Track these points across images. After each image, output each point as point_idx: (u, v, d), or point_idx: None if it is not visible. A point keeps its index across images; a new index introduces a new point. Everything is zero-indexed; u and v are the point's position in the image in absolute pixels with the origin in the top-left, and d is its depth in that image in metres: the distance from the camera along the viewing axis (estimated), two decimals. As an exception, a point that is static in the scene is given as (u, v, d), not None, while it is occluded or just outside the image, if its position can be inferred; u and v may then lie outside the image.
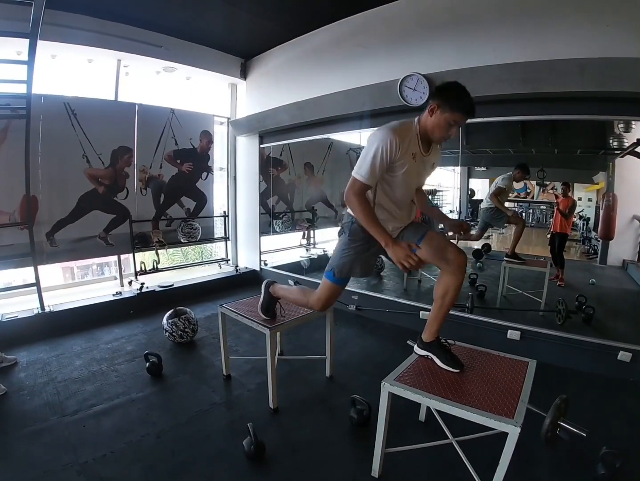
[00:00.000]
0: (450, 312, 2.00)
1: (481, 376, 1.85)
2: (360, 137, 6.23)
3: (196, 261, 7.12)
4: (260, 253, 5.45)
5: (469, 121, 1.74)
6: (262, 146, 5.14)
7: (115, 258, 4.81)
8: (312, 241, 6.12)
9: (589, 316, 3.39)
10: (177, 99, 5.19)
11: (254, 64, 5.14)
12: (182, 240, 5.05)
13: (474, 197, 5.10)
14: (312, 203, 6.22)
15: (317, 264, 5.36)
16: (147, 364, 2.96)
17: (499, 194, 4.00)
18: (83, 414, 2.46)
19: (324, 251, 5.96)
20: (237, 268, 5.49)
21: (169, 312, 3.54)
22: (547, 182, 4.30)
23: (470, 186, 4.92)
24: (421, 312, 3.52)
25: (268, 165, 5.48)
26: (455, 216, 4.42)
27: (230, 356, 2.95)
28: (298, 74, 4.41)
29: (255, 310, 2.59)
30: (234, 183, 5.65)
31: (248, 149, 5.36)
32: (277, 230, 5.78)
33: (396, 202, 1.88)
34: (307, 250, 6.09)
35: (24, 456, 2.08)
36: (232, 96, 5.42)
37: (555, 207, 4.11)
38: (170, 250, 6.47)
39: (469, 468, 1.74)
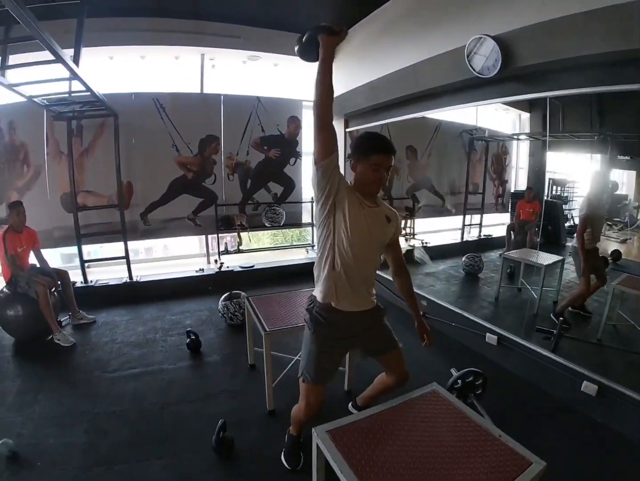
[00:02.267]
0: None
1: (455, 464, 1.41)
2: (476, 116, 5.67)
3: (287, 244, 7.53)
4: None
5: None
6: (347, 130, 5.10)
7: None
8: (410, 230, 5.87)
9: None
10: (265, 86, 5.53)
11: (341, 44, 5.07)
12: (266, 224, 5.44)
13: (617, 192, 4.25)
14: (414, 190, 5.95)
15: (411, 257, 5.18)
16: (187, 340, 3.37)
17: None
18: (118, 374, 3.04)
19: (424, 243, 5.68)
20: (318, 254, 5.66)
21: (225, 294, 3.90)
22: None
23: (610, 177, 4.08)
24: (487, 334, 3.18)
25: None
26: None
27: (256, 348, 3.04)
28: (374, 51, 4.21)
29: (271, 309, 2.72)
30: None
31: (340, 133, 5.40)
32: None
33: (353, 264, 1.74)
34: (405, 240, 5.87)
35: (58, 397, 2.74)
36: None
37: None
38: (266, 232, 6.96)
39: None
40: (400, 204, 5.81)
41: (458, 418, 1.62)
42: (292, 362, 2.81)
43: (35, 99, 3.46)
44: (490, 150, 5.77)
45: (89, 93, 3.34)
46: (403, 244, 5.68)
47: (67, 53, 2.56)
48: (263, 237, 8.49)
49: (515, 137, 5.61)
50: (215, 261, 5.24)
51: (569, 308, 3.48)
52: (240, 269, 5.20)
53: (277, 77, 5.58)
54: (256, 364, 3.07)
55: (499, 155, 5.75)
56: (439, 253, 5.70)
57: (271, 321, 2.56)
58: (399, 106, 4.03)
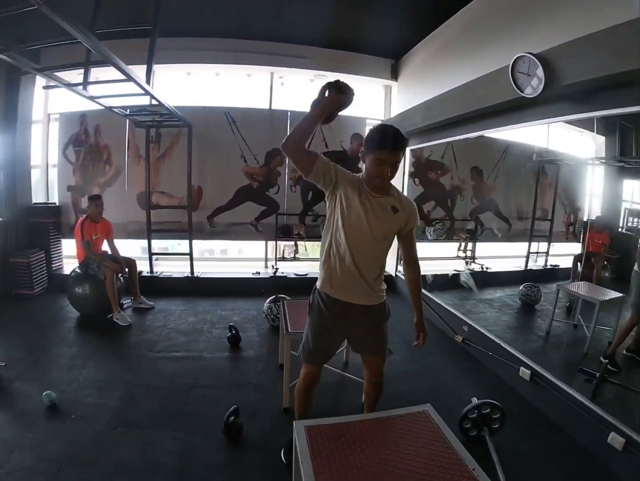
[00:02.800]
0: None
1: None
2: (547, 138, 5.42)
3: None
4: (398, 258, 5.49)
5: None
6: (407, 148, 5.17)
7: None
8: (469, 253, 5.71)
9: None
10: None
11: (403, 64, 5.24)
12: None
13: None
14: (478, 212, 5.79)
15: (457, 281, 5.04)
16: (229, 334, 3.64)
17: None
18: (162, 354, 3.39)
19: (484, 268, 5.49)
20: (376, 270, 5.71)
21: (272, 297, 4.14)
22: None
23: None
24: (522, 368, 2.98)
25: (426, 168, 5.45)
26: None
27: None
28: (431, 71, 4.30)
29: (300, 313, 2.74)
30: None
31: None
32: (429, 237, 5.67)
33: (351, 257, 1.80)
34: (466, 263, 5.72)
35: (104, 366, 3.17)
36: (386, 99, 5.65)
37: None
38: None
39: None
40: (462, 226, 5.70)
41: (437, 443, 1.58)
42: None
43: (115, 109, 3.99)
44: (561, 174, 5.45)
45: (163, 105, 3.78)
46: (460, 267, 5.56)
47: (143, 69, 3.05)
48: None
49: (590, 161, 5.25)
50: (272, 266, 5.53)
51: (624, 351, 3.18)
52: (294, 276, 5.42)
53: None
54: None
55: (571, 180, 5.42)
56: (499, 279, 5.46)
57: (296, 323, 2.67)
58: (453, 126, 4.03)
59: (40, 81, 4.57)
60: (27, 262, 4.58)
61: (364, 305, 1.88)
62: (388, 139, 1.69)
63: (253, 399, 2.75)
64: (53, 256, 5.09)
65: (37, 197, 5.39)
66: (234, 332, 3.64)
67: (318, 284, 1.92)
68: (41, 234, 4.99)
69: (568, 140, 5.40)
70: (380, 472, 1.40)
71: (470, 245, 5.71)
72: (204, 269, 5.38)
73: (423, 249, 5.58)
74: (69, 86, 2.98)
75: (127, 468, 2.04)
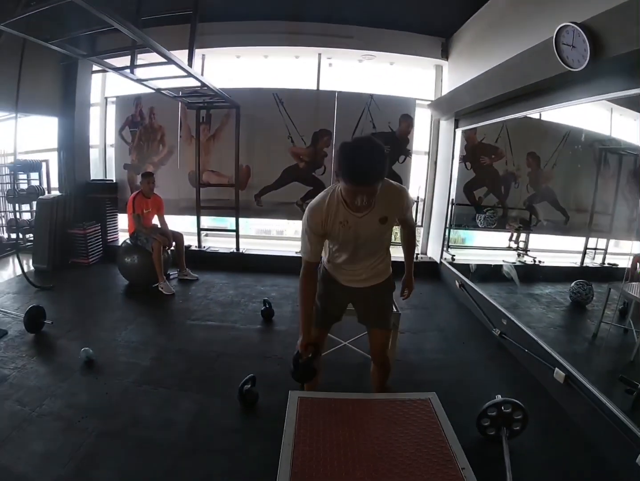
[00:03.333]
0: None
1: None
2: (610, 124, 5.02)
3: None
4: (444, 245, 5.37)
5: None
6: (457, 129, 5.01)
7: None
8: (520, 245, 5.45)
9: None
10: (379, 84, 5.65)
11: (454, 42, 5.02)
12: (367, 218, 5.65)
13: None
14: (534, 202, 5.50)
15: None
16: (262, 308, 3.81)
17: None
18: (197, 323, 3.64)
19: (536, 261, 5.23)
20: (418, 256, 5.61)
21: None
22: None
23: None
24: (556, 369, 2.72)
25: (479, 152, 5.25)
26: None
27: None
28: (478, 48, 4.09)
29: None
30: (434, 169, 5.72)
31: (446, 134, 5.32)
32: (479, 225, 5.48)
33: (347, 260, 1.89)
34: (519, 255, 5.47)
35: (142, 330, 3.49)
36: (436, 78, 5.46)
37: None
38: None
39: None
40: (515, 215, 5.44)
41: (432, 434, 1.53)
42: (340, 345, 2.95)
43: (164, 91, 4.22)
44: (625, 165, 5.01)
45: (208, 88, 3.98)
46: (511, 258, 5.31)
47: (199, 52, 3.20)
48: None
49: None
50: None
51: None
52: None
53: (392, 75, 5.72)
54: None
55: (635, 172, 4.96)
56: (551, 275, 5.17)
57: None
58: (501, 105, 3.83)
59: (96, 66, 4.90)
60: (84, 233, 5.06)
61: (367, 286, 1.96)
62: (357, 174, 1.49)
63: (275, 371, 2.86)
64: (109, 228, 5.59)
65: (97, 174, 5.91)
66: (267, 306, 3.79)
67: (324, 259, 2.00)
68: (98, 209, 5.49)
69: (635, 127, 4.96)
70: (360, 453, 1.40)
71: (523, 236, 5.45)
72: (250, 246, 5.64)
73: (472, 237, 5.45)
74: (117, 69, 3.22)
75: (143, 421, 2.25)
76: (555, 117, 4.02)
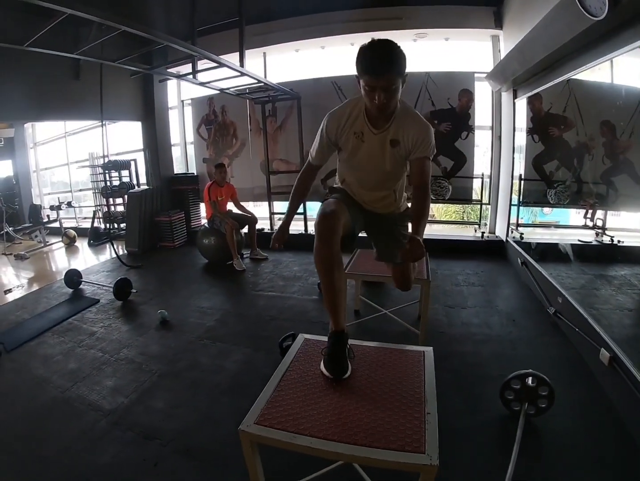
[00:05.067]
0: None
1: (373, 386, 1.54)
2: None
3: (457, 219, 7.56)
4: (509, 222, 5.31)
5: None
6: (516, 100, 4.92)
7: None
8: (596, 222, 5.18)
9: None
10: (436, 61, 5.70)
11: (505, 10, 4.84)
12: (432, 197, 5.76)
13: None
14: (611, 175, 5.17)
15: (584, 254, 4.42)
16: (319, 281, 4.23)
17: None
18: (260, 293, 4.19)
19: (615, 241, 4.92)
20: (483, 234, 5.62)
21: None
22: None
23: None
24: (602, 350, 2.47)
25: (547, 123, 5.12)
26: None
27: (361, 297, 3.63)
28: (530, 9, 3.94)
29: (367, 262, 3.17)
30: (498, 143, 5.62)
31: (506, 106, 5.22)
32: (550, 201, 5.34)
33: (356, 180, 1.99)
34: (597, 235, 5.21)
35: (212, 297, 4.11)
36: (494, 49, 5.33)
37: None
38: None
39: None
40: (589, 189, 5.18)
41: (412, 380, 1.58)
42: (381, 313, 3.30)
43: (227, 90, 4.81)
44: None
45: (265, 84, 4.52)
46: (587, 236, 5.07)
47: (259, 52, 3.67)
48: (444, 210, 8.56)
49: None
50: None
51: None
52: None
53: (449, 51, 5.70)
54: (360, 311, 3.61)
55: None
56: (630, 256, 4.83)
57: (356, 267, 3.17)
58: (552, 68, 3.79)
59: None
60: (169, 220, 5.98)
61: (378, 212, 2.08)
62: (370, 61, 1.53)
63: (318, 333, 3.19)
64: (192, 215, 6.50)
65: (180, 169, 6.93)
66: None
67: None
68: (182, 199, 6.45)
69: None
70: (336, 387, 1.55)
71: (599, 213, 5.16)
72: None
73: (546, 214, 5.29)
74: (179, 76, 3.88)
75: (198, 367, 2.79)
76: (629, 80, 3.85)
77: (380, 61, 1.52)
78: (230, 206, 5.38)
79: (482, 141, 5.79)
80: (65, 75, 4.93)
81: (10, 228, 6.83)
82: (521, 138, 5.06)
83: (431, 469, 1.17)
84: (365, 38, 4.95)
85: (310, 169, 2.04)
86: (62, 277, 4.48)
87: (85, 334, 3.36)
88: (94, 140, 5.09)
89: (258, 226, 5.59)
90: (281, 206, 6.48)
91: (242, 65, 3.69)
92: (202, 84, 4.12)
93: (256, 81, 4.32)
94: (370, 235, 2.23)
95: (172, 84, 6.46)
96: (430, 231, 5.96)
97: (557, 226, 5.46)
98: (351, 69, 5.08)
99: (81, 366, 2.85)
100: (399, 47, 1.56)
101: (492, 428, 2.13)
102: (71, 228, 7.11)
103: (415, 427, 1.32)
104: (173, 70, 4.00)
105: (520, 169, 5.13)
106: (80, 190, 8.80)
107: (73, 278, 4.40)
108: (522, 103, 4.88)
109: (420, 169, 1.79)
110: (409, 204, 2.04)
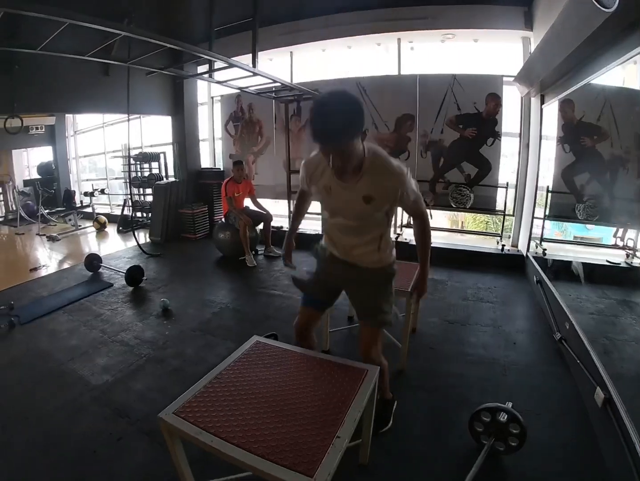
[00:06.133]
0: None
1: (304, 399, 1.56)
2: None
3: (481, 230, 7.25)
4: (531, 236, 5.05)
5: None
6: (543, 105, 4.64)
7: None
8: (627, 242, 4.82)
9: None
10: (463, 63, 5.48)
11: (536, 9, 4.58)
12: (452, 205, 5.57)
13: None
14: (648, 192, 4.80)
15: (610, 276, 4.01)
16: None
17: None
18: (264, 291, 4.25)
19: None
20: (504, 247, 5.37)
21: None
22: None
23: None
24: (598, 388, 2.15)
25: (579, 132, 4.82)
26: None
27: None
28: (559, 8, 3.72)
29: None
30: (526, 152, 5.34)
31: (534, 112, 4.95)
32: (578, 217, 5.03)
33: (335, 224, 1.87)
34: (627, 256, 4.83)
35: (217, 291, 4.24)
36: (524, 52, 5.04)
37: None
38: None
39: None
40: (625, 206, 4.81)
41: (342, 397, 1.57)
42: None
43: (246, 90, 4.89)
44: None
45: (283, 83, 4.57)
46: (617, 257, 4.71)
47: (285, 51, 3.75)
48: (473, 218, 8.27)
49: None
50: (397, 233, 5.81)
51: None
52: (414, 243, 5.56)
53: (478, 54, 5.50)
54: (354, 317, 3.41)
55: None
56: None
57: None
58: (577, 69, 3.54)
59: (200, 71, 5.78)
60: (192, 213, 6.21)
61: (355, 264, 1.90)
62: (313, 130, 1.44)
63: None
64: (215, 210, 6.66)
65: (209, 164, 7.12)
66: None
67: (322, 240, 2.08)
68: (207, 193, 6.64)
69: None
70: (262, 396, 1.57)
71: (632, 233, 4.78)
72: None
73: (574, 229, 4.98)
74: (195, 75, 4.05)
75: (182, 356, 2.93)
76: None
77: (323, 133, 1.43)
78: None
79: (508, 149, 5.52)
80: (96, 72, 5.26)
81: (46, 211, 7.32)
82: (549, 147, 4.79)
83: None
84: (391, 38, 4.92)
85: (303, 194, 2.08)
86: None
87: (93, 315, 3.62)
88: (129, 132, 5.30)
89: (276, 224, 5.65)
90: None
91: (254, 65, 3.78)
92: (218, 82, 4.24)
93: (271, 81, 4.38)
94: (348, 294, 2.06)
95: (201, 80, 6.65)
96: (451, 240, 5.76)
97: (587, 244, 5.13)
98: (376, 71, 4.93)
99: (81, 343, 3.11)
100: (349, 108, 1.44)
101: (452, 459, 1.97)
102: (104, 214, 7.57)
103: (318, 448, 1.30)
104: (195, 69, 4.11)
105: (547, 180, 4.86)
106: (116, 178, 9.30)
107: (93, 262, 4.68)
108: (550, 109, 4.65)
109: (411, 210, 1.83)
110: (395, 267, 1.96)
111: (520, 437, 1.89)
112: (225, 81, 4.34)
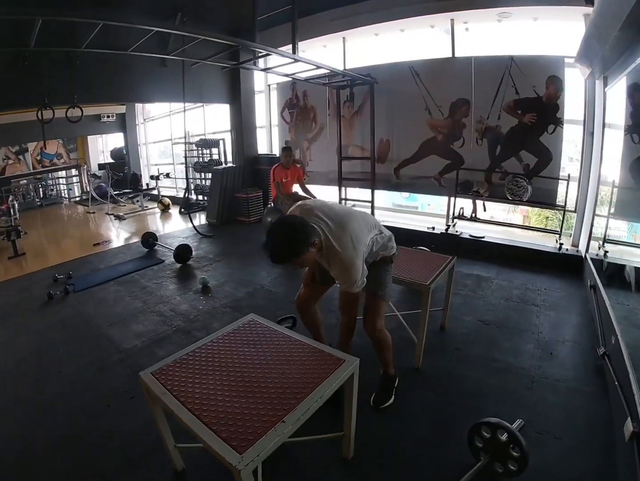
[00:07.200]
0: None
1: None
2: None
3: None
4: (591, 235, 4.58)
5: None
6: (606, 88, 4.16)
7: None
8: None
9: None
10: (522, 44, 5.05)
11: None
12: (508, 197, 5.23)
13: None
14: None
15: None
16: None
17: None
18: (296, 274, 4.30)
19: None
20: (562, 246, 4.93)
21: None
22: None
23: None
24: (628, 420, 1.81)
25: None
26: None
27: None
28: None
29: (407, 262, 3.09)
30: (590, 140, 4.82)
31: (598, 97, 4.45)
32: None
33: None
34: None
35: (255, 273, 4.47)
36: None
37: None
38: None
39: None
40: None
41: (310, 379, 1.60)
42: (392, 314, 3.05)
43: (292, 76, 4.95)
44: None
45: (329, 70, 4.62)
46: None
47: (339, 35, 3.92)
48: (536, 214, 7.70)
49: None
50: (447, 224, 5.60)
51: None
52: (468, 236, 5.32)
53: (538, 33, 5.03)
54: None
55: None
56: None
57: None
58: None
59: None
60: (246, 197, 6.54)
61: None
62: (270, 257, 1.76)
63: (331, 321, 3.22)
64: (270, 195, 6.74)
65: (264, 150, 7.39)
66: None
67: None
68: (262, 178, 6.93)
69: None
70: (237, 365, 1.70)
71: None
72: (386, 218, 6.07)
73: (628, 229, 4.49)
74: (240, 63, 4.27)
75: (207, 330, 3.17)
76: None
77: (272, 258, 1.76)
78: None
79: (572, 137, 5.06)
80: (153, 64, 5.66)
81: (115, 192, 8.05)
82: (616, 137, 4.32)
83: (236, 472, 1.18)
84: (444, 19, 4.66)
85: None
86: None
87: (139, 287, 4.04)
88: (192, 119, 5.67)
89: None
90: (354, 193, 6.51)
91: (294, 52, 3.88)
92: (265, 70, 4.34)
93: (319, 67, 4.41)
94: None
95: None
96: (505, 235, 5.41)
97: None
98: (430, 53, 4.69)
99: (122, 311, 3.52)
100: (292, 236, 1.73)
101: (445, 469, 1.87)
102: (168, 196, 8.15)
103: (259, 428, 1.33)
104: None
105: (612, 173, 4.40)
106: (181, 163, 9.76)
107: (149, 239, 5.12)
108: (614, 92, 4.14)
109: (342, 300, 2.05)
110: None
111: (520, 462, 1.72)
112: (269, 68, 4.51)
